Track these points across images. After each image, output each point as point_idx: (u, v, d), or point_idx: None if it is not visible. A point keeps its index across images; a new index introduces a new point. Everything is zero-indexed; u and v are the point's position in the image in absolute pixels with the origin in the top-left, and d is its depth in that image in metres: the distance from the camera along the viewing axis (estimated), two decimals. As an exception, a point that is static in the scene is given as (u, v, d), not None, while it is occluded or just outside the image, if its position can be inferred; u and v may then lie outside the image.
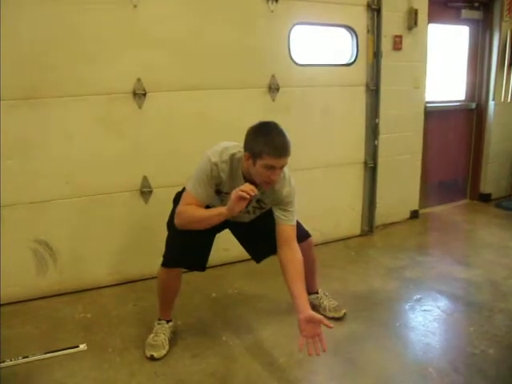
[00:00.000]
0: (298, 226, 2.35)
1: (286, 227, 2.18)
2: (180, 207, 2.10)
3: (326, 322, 1.98)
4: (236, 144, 2.12)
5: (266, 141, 1.94)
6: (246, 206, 2.12)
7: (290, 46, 3.32)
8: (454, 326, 2.56)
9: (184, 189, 2.31)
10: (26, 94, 2.61)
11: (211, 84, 3.07)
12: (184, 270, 2.33)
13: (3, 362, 2.16)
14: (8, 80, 2.53)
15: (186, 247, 2.19)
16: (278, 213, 2.19)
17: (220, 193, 2.15)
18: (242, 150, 2.06)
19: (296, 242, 2.21)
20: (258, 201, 2.21)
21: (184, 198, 2.12)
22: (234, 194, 1.92)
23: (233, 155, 2.08)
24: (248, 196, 1.90)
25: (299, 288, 2.08)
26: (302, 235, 2.39)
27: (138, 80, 2.85)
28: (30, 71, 2.60)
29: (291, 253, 2.16)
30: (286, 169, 2.14)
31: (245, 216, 2.28)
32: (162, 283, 2.31)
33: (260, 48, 3.21)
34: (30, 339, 2.39)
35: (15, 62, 2.54)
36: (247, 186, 1.91)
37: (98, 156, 2.85)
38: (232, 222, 2.31)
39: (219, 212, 2.02)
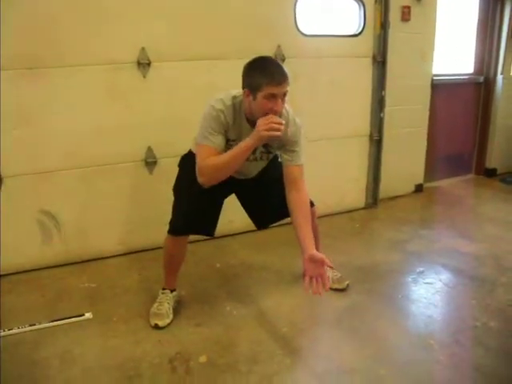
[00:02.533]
0: None
1: (292, 168, 2.17)
2: (200, 165, 2.04)
3: (327, 261, 1.97)
4: (233, 91, 2.11)
5: (263, 71, 1.94)
6: (254, 152, 2.13)
7: (297, 16, 3.27)
8: (456, 299, 2.57)
9: (190, 151, 2.31)
10: (29, 64, 2.59)
11: (216, 54, 3.04)
12: (190, 239, 2.31)
13: (10, 329, 2.19)
14: (11, 49, 2.50)
15: (194, 212, 2.19)
16: (284, 155, 2.18)
17: (227, 141, 2.12)
18: (236, 94, 2.07)
19: (304, 182, 2.19)
20: (265, 145, 2.19)
21: (199, 153, 2.07)
22: (266, 134, 1.90)
23: (234, 99, 2.08)
24: (279, 127, 1.90)
25: (304, 229, 2.10)
26: None
27: (143, 49, 2.81)
28: (33, 41, 2.57)
29: (298, 194, 2.16)
30: (290, 109, 2.15)
31: (254, 165, 2.28)
32: (168, 251, 2.31)
33: (266, 17, 3.15)
34: (36, 308, 2.42)
35: (18, 32, 2.51)
36: (275, 121, 1.90)
37: (103, 126, 2.83)
38: (238, 181, 2.31)
39: (246, 145, 1.98)
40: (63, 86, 2.69)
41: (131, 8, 2.76)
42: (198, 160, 2.07)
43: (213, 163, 2.01)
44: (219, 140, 2.06)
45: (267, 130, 1.90)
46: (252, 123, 2.06)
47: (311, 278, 1.96)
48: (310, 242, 2.06)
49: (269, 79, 1.92)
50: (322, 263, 1.96)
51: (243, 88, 2.02)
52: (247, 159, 2.11)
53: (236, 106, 2.08)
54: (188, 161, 2.24)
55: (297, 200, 2.15)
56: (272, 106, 1.95)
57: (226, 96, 2.09)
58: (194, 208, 2.18)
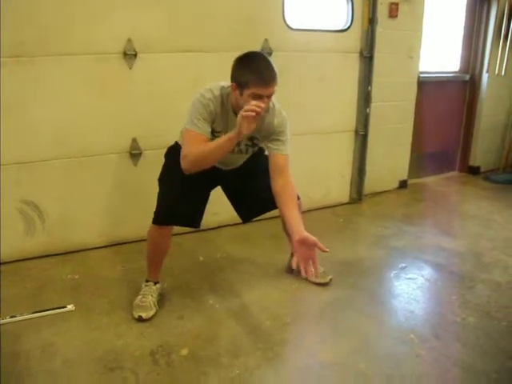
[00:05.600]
0: None
1: (278, 156, 2.18)
2: (185, 150, 2.05)
3: (320, 245, 1.92)
4: (221, 82, 2.12)
5: (252, 70, 1.94)
6: (238, 144, 2.15)
7: (284, 10, 3.26)
8: (437, 295, 2.60)
9: (176, 143, 2.31)
10: (13, 52, 2.54)
11: (203, 46, 3.02)
12: (174, 231, 2.30)
13: (-9, 320, 2.18)
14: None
15: (178, 203, 2.17)
16: (270, 144, 2.20)
17: (213, 132, 2.13)
18: (224, 85, 2.09)
19: (289, 171, 2.19)
20: (251, 138, 2.21)
21: (186, 139, 2.08)
22: (242, 114, 1.86)
23: (222, 90, 2.09)
24: (257, 112, 1.85)
25: (292, 211, 2.10)
26: None
27: (129, 40, 2.79)
28: (17, 29, 2.52)
29: (284, 180, 2.16)
30: (275, 101, 2.16)
31: (238, 157, 2.30)
32: (152, 242, 2.29)
33: (253, 10, 3.15)
34: (18, 299, 2.40)
35: (3, 20, 2.46)
36: (253, 104, 1.86)
37: (87, 117, 2.81)
38: (224, 172, 2.32)
39: (228, 137, 1.96)
40: (48, 75, 2.66)
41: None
42: (184, 145, 2.08)
43: (197, 151, 2.01)
44: (206, 127, 2.07)
45: (245, 111, 1.85)
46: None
47: (300, 260, 1.91)
48: (299, 224, 2.03)
49: (257, 80, 1.92)
50: (314, 246, 1.93)
51: (231, 81, 2.03)
52: (232, 151, 2.13)
53: (224, 97, 2.09)
54: (174, 152, 2.25)
55: (283, 185, 2.15)
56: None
57: (215, 86, 2.10)
58: (179, 199, 2.18)
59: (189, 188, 2.17)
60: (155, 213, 2.22)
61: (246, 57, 2.02)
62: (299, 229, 1.99)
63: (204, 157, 2.03)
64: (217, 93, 2.08)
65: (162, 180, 2.31)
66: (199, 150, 2.02)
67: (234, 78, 2.01)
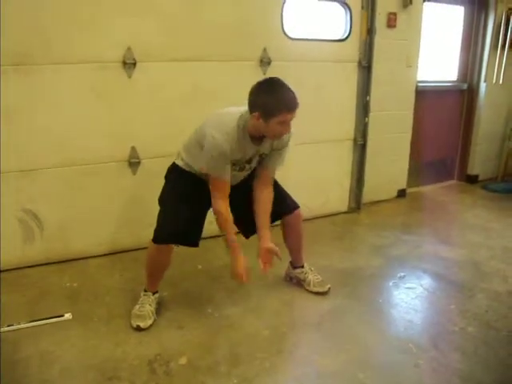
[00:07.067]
0: (286, 196, 2.46)
1: (270, 171, 2.32)
2: (217, 206, 2.17)
3: (279, 254, 2.30)
4: (230, 109, 2.16)
5: (277, 98, 1.99)
6: (250, 162, 2.24)
7: (283, 20, 3.28)
8: (436, 304, 2.60)
9: (174, 163, 2.33)
10: (13, 61, 2.55)
11: (202, 55, 3.04)
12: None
13: (-11, 328, 2.17)
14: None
15: (178, 223, 2.17)
16: (272, 157, 2.28)
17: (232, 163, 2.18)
18: (242, 112, 2.10)
19: (272, 184, 2.35)
20: (261, 154, 2.26)
21: (214, 186, 2.16)
22: (236, 272, 2.23)
23: (238, 120, 2.10)
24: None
25: (268, 220, 2.32)
26: (290, 206, 2.45)
27: (128, 49, 2.80)
28: (18, 38, 2.54)
29: (267, 192, 2.32)
30: None
31: (246, 174, 2.34)
32: (152, 258, 2.29)
33: (252, 20, 3.16)
34: (16, 307, 2.39)
35: (5, 28, 2.47)
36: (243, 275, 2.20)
37: (86, 125, 2.81)
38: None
39: (233, 245, 2.23)
40: (48, 83, 2.67)
41: (118, 7, 2.74)
42: (214, 194, 2.17)
43: (222, 220, 2.19)
44: (228, 169, 2.13)
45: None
46: (255, 139, 2.14)
47: (263, 262, 2.28)
48: (269, 234, 2.30)
49: (286, 107, 1.99)
50: (274, 253, 2.29)
51: (253, 110, 2.03)
52: (243, 170, 2.26)
53: (240, 126, 2.10)
54: (173, 173, 2.32)
55: (264, 196, 2.30)
56: (282, 129, 2.06)
57: (230, 118, 2.11)
58: (180, 219, 2.18)
59: (189, 208, 2.19)
60: (155, 232, 2.21)
61: (267, 85, 2.04)
62: (268, 239, 2.29)
63: (219, 226, 2.23)
64: (232, 124, 2.08)
65: (162, 200, 2.31)
66: (222, 221, 2.19)
67: (257, 106, 2.01)
